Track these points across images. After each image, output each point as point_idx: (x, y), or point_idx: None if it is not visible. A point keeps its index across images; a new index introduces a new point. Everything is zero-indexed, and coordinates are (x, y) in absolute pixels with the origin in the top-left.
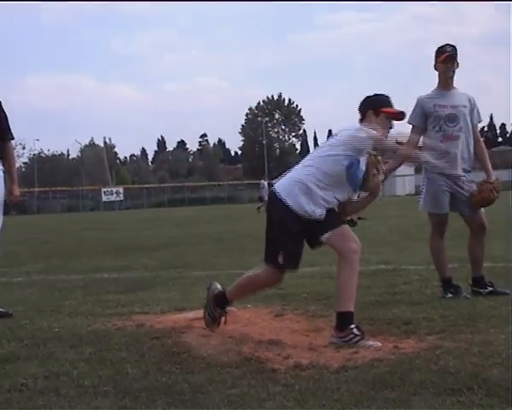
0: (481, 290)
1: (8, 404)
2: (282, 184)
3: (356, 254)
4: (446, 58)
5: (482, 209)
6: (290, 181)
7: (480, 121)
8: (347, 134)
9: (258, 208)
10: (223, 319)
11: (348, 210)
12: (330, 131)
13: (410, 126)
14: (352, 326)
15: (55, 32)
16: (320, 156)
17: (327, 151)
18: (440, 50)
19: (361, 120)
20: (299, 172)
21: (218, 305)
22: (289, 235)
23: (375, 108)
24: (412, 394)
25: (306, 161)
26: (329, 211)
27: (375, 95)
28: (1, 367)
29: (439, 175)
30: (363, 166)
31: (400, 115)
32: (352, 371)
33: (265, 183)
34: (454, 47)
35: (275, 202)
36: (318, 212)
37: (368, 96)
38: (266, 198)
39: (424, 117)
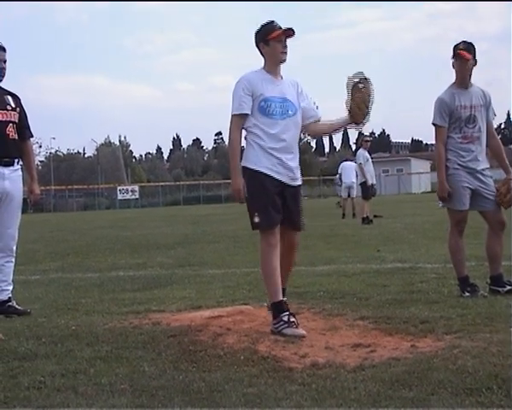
0: (499, 289)
1: (27, 401)
2: None
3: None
4: (459, 55)
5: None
6: None
7: (494, 116)
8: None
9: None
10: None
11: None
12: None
13: (433, 128)
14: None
15: (71, 32)
16: None
17: None
18: (454, 48)
19: (262, 55)
20: None
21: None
22: None
23: (264, 39)
24: (430, 393)
25: None
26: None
27: (260, 27)
28: (19, 365)
29: (461, 171)
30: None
31: (288, 32)
32: (369, 370)
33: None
34: (470, 44)
35: None
36: None
37: (255, 33)
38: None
39: (449, 117)
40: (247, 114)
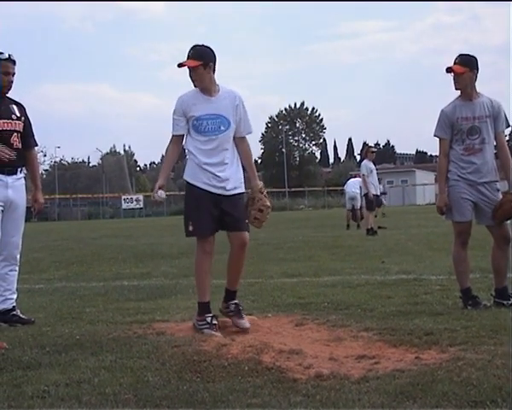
0: (504, 302)
1: None
2: None
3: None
4: (449, 69)
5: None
6: None
7: (508, 127)
8: None
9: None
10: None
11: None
12: (350, 140)
13: (437, 140)
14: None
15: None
16: None
17: None
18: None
19: None
20: None
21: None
22: None
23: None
24: (434, 406)
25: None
26: None
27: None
28: (23, 374)
29: (460, 183)
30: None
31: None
32: (373, 381)
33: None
34: (467, 56)
35: None
36: None
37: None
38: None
39: (451, 129)
40: (182, 134)
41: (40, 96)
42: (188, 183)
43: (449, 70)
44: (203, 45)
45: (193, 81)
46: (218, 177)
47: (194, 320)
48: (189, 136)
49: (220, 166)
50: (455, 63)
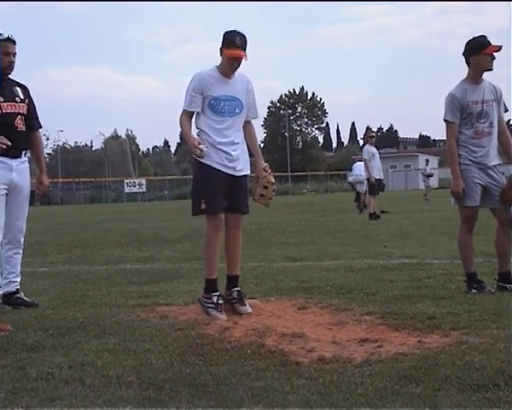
0: (507, 286)
1: (35, 392)
2: None
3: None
4: (496, 50)
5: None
6: None
7: (506, 111)
8: None
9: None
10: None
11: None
12: (353, 124)
13: (443, 124)
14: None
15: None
16: None
17: None
18: (484, 43)
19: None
20: None
21: None
22: None
23: (221, 47)
24: (437, 389)
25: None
26: None
27: (225, 33)
28: (27, 356)
29: (472, 167)
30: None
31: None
32: (376, 365)
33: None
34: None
35: None
36: None
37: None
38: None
39: (460, 113)
40: (194, 112)
41: (42, 80)
42: (200, 162)
43: (493, 52)
44: (242, 33)
45: (233, 69)
46: (230, 156)
47: (200, 296)
48: (201, 114)
49: (232, 146)
50: (492, 45)
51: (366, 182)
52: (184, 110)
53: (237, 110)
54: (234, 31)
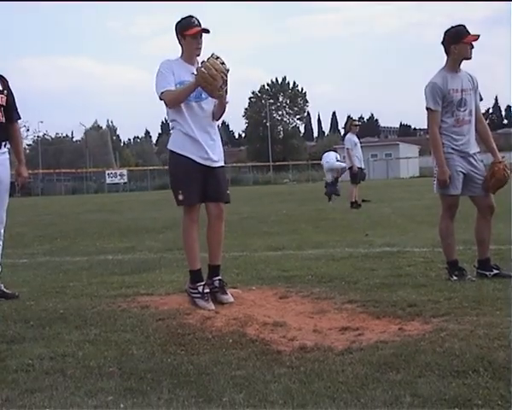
0: (487, 273)
1: (15, 384)
2: None
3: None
4: (475, 39)
5: None
6: None
7: (481, 100)
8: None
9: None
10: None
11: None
12: (334, 113)
13: (424, 113)
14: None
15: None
16: None
17: None
18: (464, 32)
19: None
20: None
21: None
22: None
23: (181, 33)
24: (417, 376)
25: None
26: None
27: (180, 19)
28: (7, 348)
29: (454, 155)
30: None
31: (204, 30)
32: (357, 353)
33: None
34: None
35: None
36: None
37: (175, 24)
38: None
39: (442, 100)
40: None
41: (22, 70)
42: (175, 153)
43: (472, 41)
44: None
45: (198, 48)
46: (203, 146)
47: (187, 287)
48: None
49: (203, 132)
50: (472, 35)
51: (347, 170)
52: (162, 92)
53: (203, 95)
54: (187, 16)
